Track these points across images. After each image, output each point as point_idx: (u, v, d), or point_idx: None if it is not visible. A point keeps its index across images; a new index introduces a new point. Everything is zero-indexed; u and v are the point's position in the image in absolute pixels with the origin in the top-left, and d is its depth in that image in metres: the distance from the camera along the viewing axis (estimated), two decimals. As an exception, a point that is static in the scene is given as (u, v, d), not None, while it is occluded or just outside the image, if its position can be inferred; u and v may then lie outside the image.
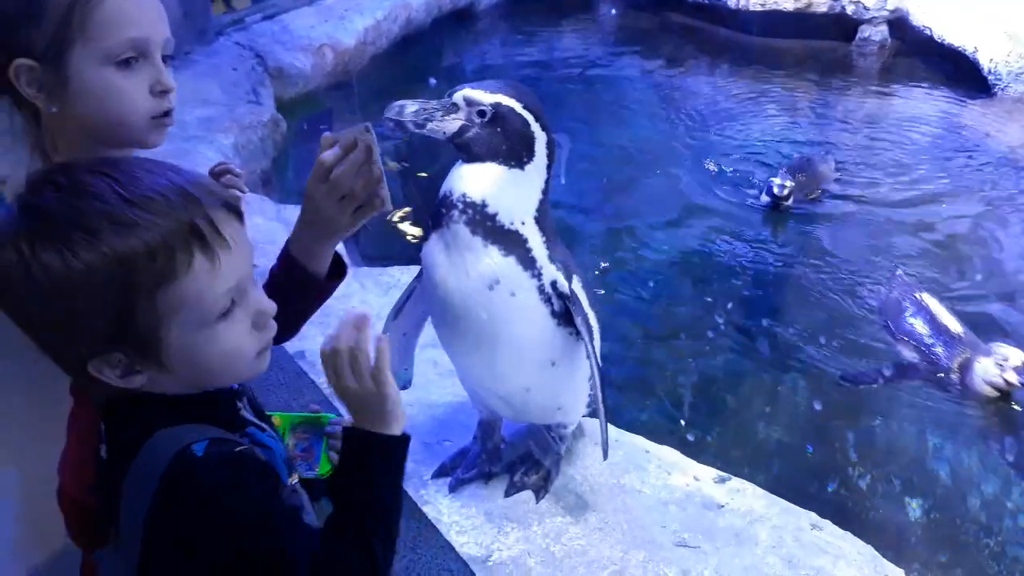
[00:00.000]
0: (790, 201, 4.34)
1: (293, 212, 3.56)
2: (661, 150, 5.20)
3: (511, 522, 2.02)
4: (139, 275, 0.96)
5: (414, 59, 6.23)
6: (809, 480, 2.73)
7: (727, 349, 3.36)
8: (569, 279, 1.77)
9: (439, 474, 2.15)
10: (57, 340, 1.00)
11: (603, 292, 3.58)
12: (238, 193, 1.62)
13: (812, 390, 3.13)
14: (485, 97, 1.62)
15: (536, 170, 1.68)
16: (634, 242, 4.10)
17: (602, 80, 6.37)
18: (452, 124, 1.63)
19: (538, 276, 1.71)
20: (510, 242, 1.67)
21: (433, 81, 5.45)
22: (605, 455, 1.92)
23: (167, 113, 1.28)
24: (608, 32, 7.52)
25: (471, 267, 1.67)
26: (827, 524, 2.12)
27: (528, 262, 1.69)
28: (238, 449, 1.04)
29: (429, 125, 1.62)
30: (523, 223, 1.68)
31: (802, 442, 2.89)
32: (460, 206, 1.65)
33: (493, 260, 1.66)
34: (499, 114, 1.63)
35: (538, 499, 2.07)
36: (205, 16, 5.22)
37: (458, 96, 1.63)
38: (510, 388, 1.92)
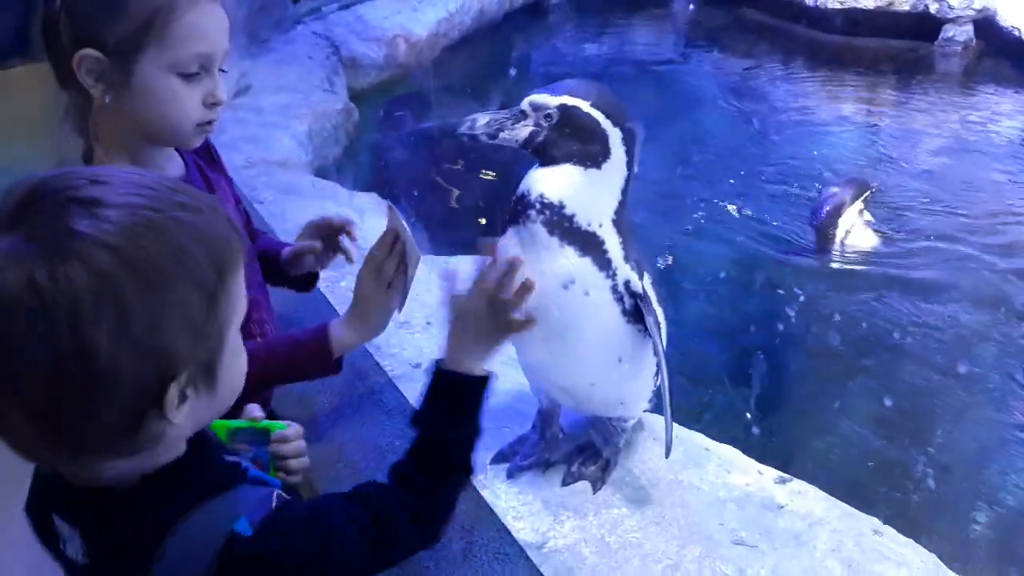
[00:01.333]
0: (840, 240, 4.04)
1: (364, 199, 3.66)
2: (726, 152, 5.14)
3: (567, 511, 2.03)
4: (224, 262, 0.88)
5: (485, 51, 6.26)
6: (873, 484, 2.68)
7: (792, 347, 3.31)
8: (641, 277, 1.78)
9: (498, 460, 2.17)
10: (126, 384, 0.82)
11: (665, 288, 3.55)
12: (350, 248, 1.86)
13: (880, 391, 3.06)
14: (551, 100, 1.62)
15: (614, 167, 1.67)
16: (696, 238, 4.07)
17: (672, 77, 6.31)
18: (522, 131, 1.64)
19: (613, 276, 1.72)
20: (587, 243, 1.67)
21: (513, 72, 5.48)
22: (667, 453, 1.92)
23: (211, 121, 1.38)
24: (682, 28, 7.43)
25: (547, 266, 1.67)
26: (889, 530, 2.08)
27: (604, 263, 1.70)
28: (275, 505, 0.98)
29: (501, 135, 1.64)
30: (600, 225, 1.68)
31: (867, 445, 2.83)
32: (538, 206, 1.65)
33: (569, 260, 1.67)
34: (566, 115, 1.62)
35: (595, 490, 2.08)
36: (283, 5, 5.33)
37: (525, 102, 1.64)
38: (576, 381, 1.94)
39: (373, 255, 1.59)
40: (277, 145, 4.04)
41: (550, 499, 2.06)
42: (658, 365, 1.87)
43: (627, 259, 1.74)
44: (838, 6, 6.66)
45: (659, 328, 1.81)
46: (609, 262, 1.71)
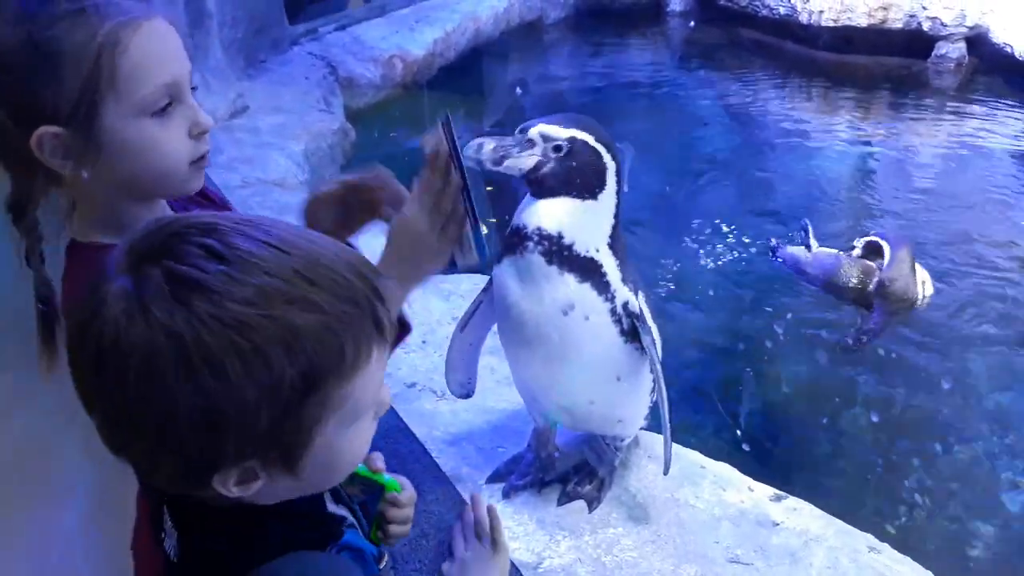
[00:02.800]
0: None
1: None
2: (721, 169, 5.16)
3: (563, 530, 2.03)
4: (324, 369, 0.80)
5: (482, 71, 6.30)
6: (868, 501, 2.67)
7: (786, 365, 3.31)
8: (636, 295, 1.80)
9: (493, 479, 2.18)
10: (189, 443, 0.78)
11: (658, 304, 3.56)
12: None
13: (877, 409, 3.07)
14: (561, 132, 1.65)
15: (608, 197, 1.71)
16: (689, 255, 4.07)
17: (668, 95, 6.34)
18: (529, 160, 1.66)
19: (611, 299, 1.75)
20: (586, 270, 1.71)
21: (509, 91, 5.47)
22: (666, 470, 1.92)
23: (203, 156, 1.16)
24: (677, 46, 7.49)
25: (546, 294, 1.71)
26: (885, 547, 2.08)
27: (603, 287, 1.73)
28: None
29: (506, 162, 1.65)
30: (598, 250, 1.72)
31: (862, 462, 2.83)
32: (535, 238, 1.68)
33: (569, 287, 1.70)
34: (575, 148, 1.65)
35: (591, 509, 2.08)
36: (280, 26, 5.37)
37: (534, 132, 1.66)
38: (576, 400, 1.96)
39: (428, 181, 1.21)
40: (273, 165, 4.06)
41: (546, 519, 2.06)
42: (655, 382, 1.88)
43: (624, 280, 1.76)
44: (832, 24, 6.71)
45: (655, 345, 1.82)
46: (608, 285, 1.74)
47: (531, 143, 1.65)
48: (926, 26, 6.45)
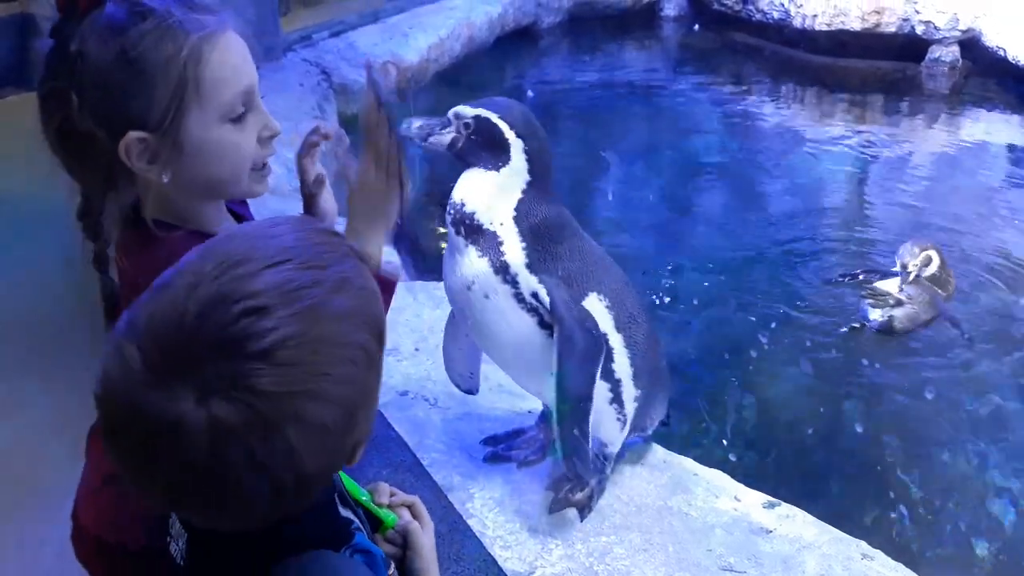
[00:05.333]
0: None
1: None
2: (716, 172, 5.17)
3: (555, 539, 2.02)
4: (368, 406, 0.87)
5: (476, 77, 6.30)
6: (862, 509, 2.67)
7: (778, 373, 3.31)
8: (580, 295, 1.82)
9: (488, 442, 2.23)
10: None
11: (649, 309, 3.56)
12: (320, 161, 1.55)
13: (869, 416, 3.07)
14: (468, 111, 1.82)
15: (513, 173, 1.81)
16: (681, 263, 4.07)
17: (663, 100, 6.36)
18: (446, 137, 1.83)
19: (513, 283, 1.81)
20: (486, 243, 1.81)
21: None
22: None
23: (267, 161, 1.28)
24: (671, 51, 7.51)
25: (457, 267, 1.85)
26: (878, 554, 2.07)
27: (501, 267, 1.80)
28: None
29: (431, 139, 1.82)
30: (501, 224, 1.81)
31: (856, 469, 2.83)
32: (450, 210, 1.84)
33: (470, 260, 1.82)
34: (479, 125, 1.81)
35: (582, 517, 2.07)
36: (275, 33, 5.37)
37: (450, 112, 1.84)
38: (527, 387, 2.07)
39: (371, 136, 1.34)
40: (273, 174, 4.04)
41: (537, 527, 2.05)
42: (613, 391, 1.94)
43: (535, 269, 1.81)
44: (825, 28, 6.74)
45: (590, 351, 1.81)
46: (507, 266, 1.80)
47: (449, 122, 1.83)
48: (919, 30, 6.47)
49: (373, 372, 0.87)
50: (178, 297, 0.78)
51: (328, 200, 1.55)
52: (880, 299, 3.62)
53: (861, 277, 3.88)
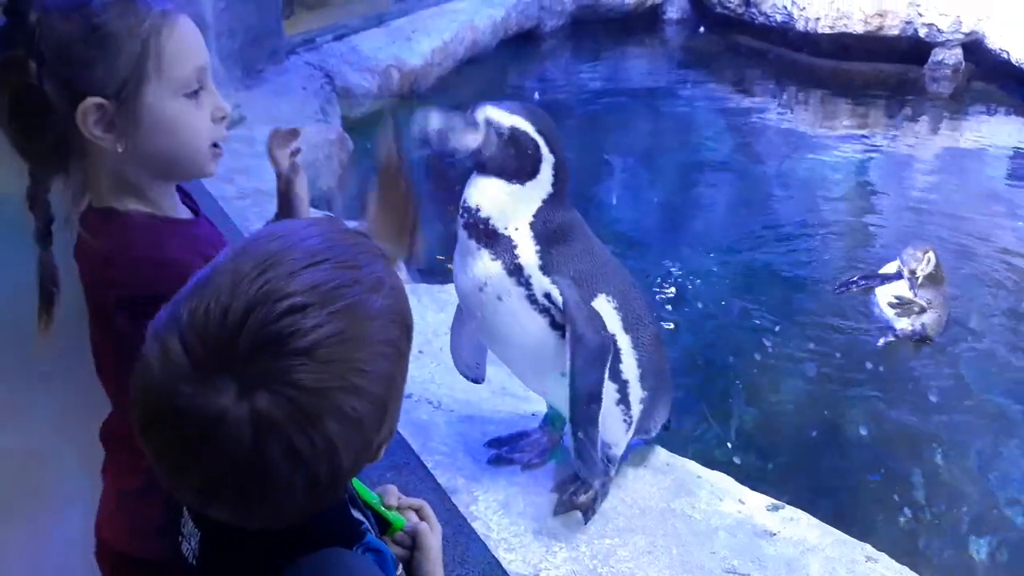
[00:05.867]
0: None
1: (356, 227, 3.66)
2: (717, 175, 5.17)
3: (559, 542, 2.02)
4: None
5: (479, 80, 6.31)
6: (865, 511, 2.67)
7: (783, 375, 3.31)
8: (590, 296, 1.82)
9: (493, 444, 2.23)
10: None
11: (654, 311, 3.56)
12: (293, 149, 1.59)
13: (873, 419, 3.06)
14: (504, 118, 1.74)
15: (538, 187, 1.78)
16: (685, 265, 4.07)
17: (665, 102, 6.36)
18: (472, 140, 1.74)
19: (526, 284, 1.80)
20: (500, 247, 1.78)
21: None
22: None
23: (219, 142, 1.29)
24: (674, 54, 7.51)
25: (469, 268, 1.82)
26: (882, 557, 2.07)
27: (515, 269, 1.79)
28: None
29: (451, 139, 1.73)
30: (516, 229, 1.79)
31: (860, 472, 2.83)
32: (463, 212, 1.80)
33: (484, 263, 1.80)
34: (514, 136, 1.74)
35: (587, 520, 2.07)
36: (278, 36, 5.38)
37: (480, 114, 1.74)
38: (534, 388, 2.08)
39: (387, 192, 1.32)
40: (270, 176, 3.96)
41: (542, 530, 2.05)
42: (620, 392, 1.93)
43: (548, 271, 1.80)
44: (828, 31, 6.74)
45: (596, 351, 1.81)
46: (521, 268, 1.79)
47: (476, 124, 1.74)
48: (922, 33, 6.47)
49: (402, 368, 0.90)
50: (221, 294, 0.79)
51: (303, 188, 1.60)
52: (906, 308, 3.61)
53: (861, 285, 3.85)
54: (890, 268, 3.86)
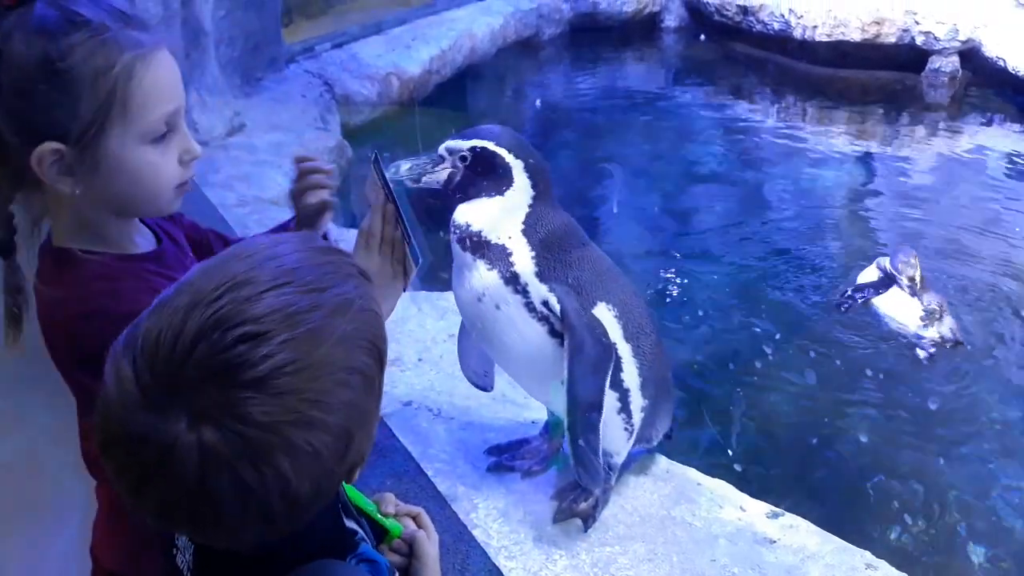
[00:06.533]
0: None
1: (355, 235, 3.66)
2: (716, 183, 5.19)
3: (559, 549, 2.02)
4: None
5: (478, 88, 6.33)
6: (866, 518, 2.66)
7: (782, 382, 3.31)
8: (590, 303, 1.83)
9: (492, 452, 2.24)
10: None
11: (655, 324, 3.57)
12: (326, 196, 1.49)
13: (872, 425, 3.07)
14: (462, 144, 1.81)
15: (518, 192, 1.82)
16: (684, 273, 4.06)
17: (663, 111, 6.37)
18: (442, 174, 1.82)
19: (523, 292, 1.82)
20: (495, 256, 1.82)
21: (505, 108, 5.44)
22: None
23: (187, 181, 1.22)
24: (672, 62, 7.52)
25: (466, 280, 1.85)
26: (883, 564, 2.07)
27: (511, 277, 1.82)
28: None
29: (424, 178, 1.81)
30: (509, 237, 1.82)
31: (860, 479, 2.83)
32: (454, 231, 1.84)
33: (480, 273, 1.83)
34: (476, 155, 1.80)
35: (587, 527, 2.07)
36: (277, 44, 5.39)
37: (441, 148, 1.82)
38: (536, 396, 2.10)
39: (369, 230, 1.31)
40: (270, 183, 4.06)
41: (542, 537, 2.05)
42: (622, 400, 1.94)
43: (544, 278, 1.82)
44: (826, 39, 6.75)
45: (598, 358, 1.82)
46: (517, 276, 1.81)
47: (441, 158, 1.81)
48: (919, 40, 6.49)
49: (371, 394, 0.87)
50: (175, 318, 0.77)
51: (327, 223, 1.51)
52: (931, 317, 3.57)
53: (858, 298, 3.80)
54: (869, 275, 3.82)
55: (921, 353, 3.52)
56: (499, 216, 1.82)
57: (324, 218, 1.49)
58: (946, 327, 3.57)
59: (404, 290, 1.37)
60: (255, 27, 5.10)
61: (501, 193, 1.81)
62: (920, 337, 3.58)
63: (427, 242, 1.34)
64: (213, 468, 0.76)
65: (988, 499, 2.80)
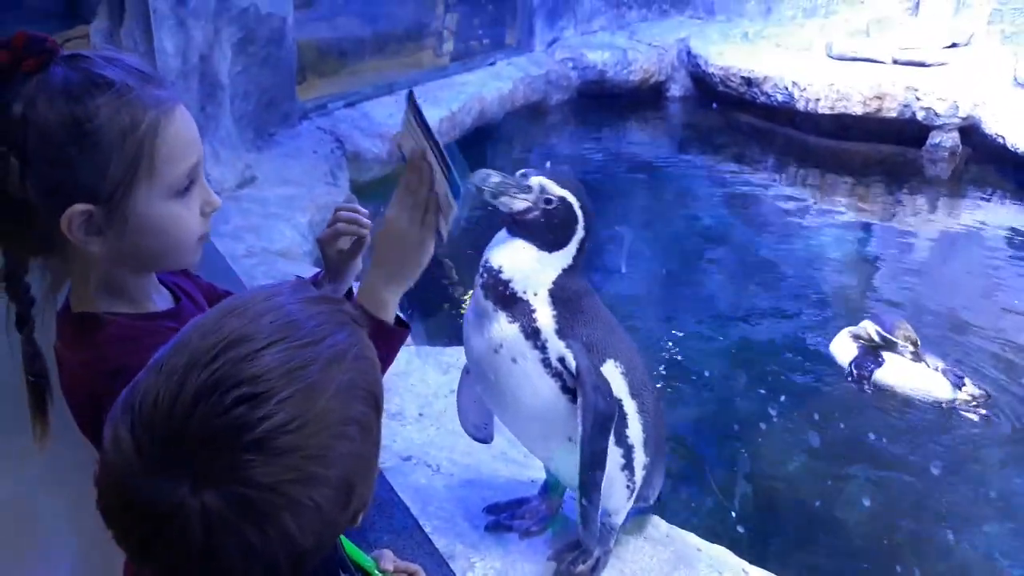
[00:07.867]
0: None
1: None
2: (720, 247, 5.24)
3: (557, 612, 1.99)
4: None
5: (485, 150, 6.43)
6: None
7: (783, 445, 3.30)
8: (600, 361, 1.83)
9: (491, 511, 2.22)
10: None
11: (656, 383, 3.57)
12: (362, 230, 1.53)
13: (875, 489, 3.04)
14: (556, 189, 1.78)
15: (562, 257, 1.82)
16: (684, 336, 4.09)
17: (667, 177, 6.46)
18: (520, 203, 1.77)
19: (542, 348, 1.80)
20: (517, 310, 1.79)
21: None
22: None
23: (207, 232, 1.25)
24: (676, 130, 7.65)
25: (484, 329, 1.82)
26: (883, 635, 2.04)
27: (532, 332, 1.80)
28: None
29: (502, 198, 1.75)
30: (535, 294, 1.80)
31: (862, 545, 2.80)
32: (483, 272, 1.81)
33: (500, 325, 1.80)
34: (561, 207, 1.78)
35: (585, 590, 2.04)
36: (291, 100, 5.50)
37: (535, 180, 1.78)
38: (537, 454, 2.05)
39: (409, 182, 1.34)
40: (279, 236, 4.11)
41: (539, 599, 2.02)
42: (625, 457, 1.92)
43: (563, 335, 1.81)
44: (828, 111, 6.88)
45: (605, 416, 1.82)
46: (538, 332, 1.80)
47: (529, 188, 1.77)
48: (920, 115, 6.61)
49: (370, 442, 0.87)
50: (173, 379, 0.78)
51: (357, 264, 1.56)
52: (959, 378, 3.60)
53: (870, 369, 3.77)
54: (843, 346, 3.81)
55: (975, 416, 3.52)
56: (534, 270, 1.80)
57: (353, 264, 1.54)
58: (970, 385, 3.57)
59: (443, 240, 1.38)
60: (270, 83, 5.22)
61: (549, 250, 1.80)
62: (952, 400, 3.56)
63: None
64: (218, 532, 0.76)
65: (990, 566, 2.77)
